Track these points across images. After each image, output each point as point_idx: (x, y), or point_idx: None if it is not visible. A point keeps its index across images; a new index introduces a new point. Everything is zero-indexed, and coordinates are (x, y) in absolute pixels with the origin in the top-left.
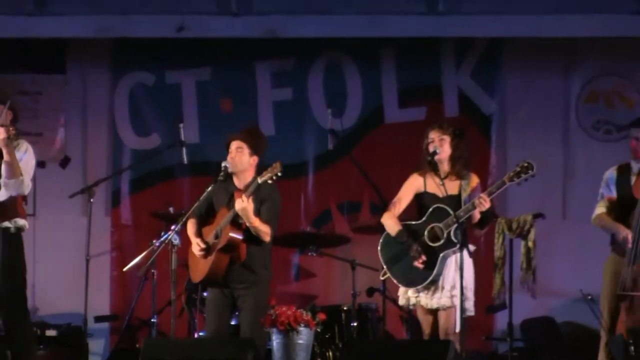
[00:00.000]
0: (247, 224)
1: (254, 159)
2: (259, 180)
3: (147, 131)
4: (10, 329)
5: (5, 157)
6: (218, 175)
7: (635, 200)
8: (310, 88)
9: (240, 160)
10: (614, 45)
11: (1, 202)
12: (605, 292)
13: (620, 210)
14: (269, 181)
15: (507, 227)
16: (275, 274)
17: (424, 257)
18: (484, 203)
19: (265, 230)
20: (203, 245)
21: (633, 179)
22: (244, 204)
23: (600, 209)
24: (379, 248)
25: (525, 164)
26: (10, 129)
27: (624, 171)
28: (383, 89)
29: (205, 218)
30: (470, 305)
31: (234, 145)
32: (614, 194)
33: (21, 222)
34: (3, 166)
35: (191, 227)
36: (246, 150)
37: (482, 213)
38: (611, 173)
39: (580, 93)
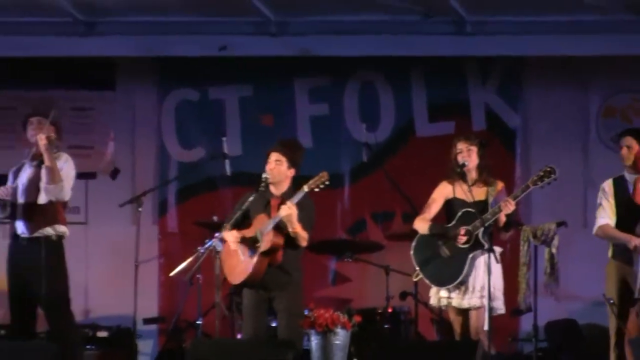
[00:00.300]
0: (290, 229)
1: (291, 171)
2: (306, 189)
3: (192, 144)
4: (55, 334)
5: (46, 162)
6: (259, 186)
7: (637, 206)
8: (345, 104)
9: (279, 171)
10: (628, 63)
11: (42, 207)
12: (613, 298)
13: (623, 218)
14: (316, 189)
15: (532, 235)
16: (313, 279)
17: (463, 235)
18: (510, 206)
19: (304, 236)
20: (242, 235)
21: (631, 187)
22: (290, 211)
23: (603, 220)
24: (411, 252)
25: (548, 169)
26: (51, 134)
27: (620, 181)
28: (414, 105)
29: (240, 224)
30: (499, 304)
31: (274, 157)
32: (613, 204)
33: (61, 228)
34: (44, 171)
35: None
36: (285, 163)
37: (507, 216)
38: (609, 184)
39: (598, 108)
